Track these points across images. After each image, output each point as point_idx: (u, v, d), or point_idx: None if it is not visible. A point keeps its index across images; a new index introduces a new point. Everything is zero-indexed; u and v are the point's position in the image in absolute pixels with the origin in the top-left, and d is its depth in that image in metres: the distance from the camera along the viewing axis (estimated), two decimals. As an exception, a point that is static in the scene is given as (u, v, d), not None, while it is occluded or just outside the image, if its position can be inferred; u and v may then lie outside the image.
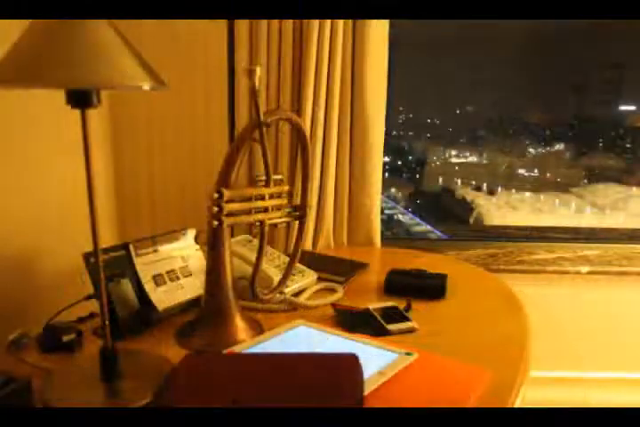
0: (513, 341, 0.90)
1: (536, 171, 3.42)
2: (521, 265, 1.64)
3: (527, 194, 3.12)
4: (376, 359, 0.77)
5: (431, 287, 1.09)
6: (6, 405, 0.65)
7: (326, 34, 1.35)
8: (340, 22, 1.35)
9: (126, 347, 0.85)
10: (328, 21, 1.34)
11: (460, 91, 3.18)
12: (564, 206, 3.01)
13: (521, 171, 3.39)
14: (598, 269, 1.63)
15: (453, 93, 3.17)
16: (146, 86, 0.60)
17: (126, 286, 0.92)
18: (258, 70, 0.80)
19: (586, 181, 3.22)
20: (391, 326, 0.92)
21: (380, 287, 1.14)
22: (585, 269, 1.62)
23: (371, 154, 1.47)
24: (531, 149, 3.46)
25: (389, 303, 1.01)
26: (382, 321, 0.93)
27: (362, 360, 0.69)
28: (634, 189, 3.02)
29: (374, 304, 1.00)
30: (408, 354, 0.79)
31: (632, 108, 3.07)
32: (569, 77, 3.08)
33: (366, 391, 0.67)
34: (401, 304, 1.01)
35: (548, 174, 3.40)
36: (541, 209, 3.01)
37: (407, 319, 0.95)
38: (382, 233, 1.55)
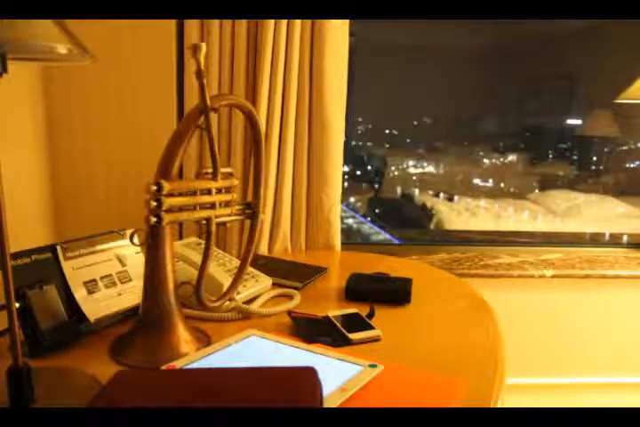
0: (485, 347, 0.83)
1: (490, 181, 3.47)
2: (485, 269, 1.60)
3: (482, 202, 3.14)
4: (337, 373, 0.69)
5: (396, 292, 1.02)
6: None
7: (282, 34, 1.29)
8: (297, 21, 1.29)
9: (48, 365, 0.74)
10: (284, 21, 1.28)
11: (418, 102, 3.22)
12: (520, 213, 3.04)
13: (476, 181, 3.44)
14: (562, 273, 1.62)
15: (411, 105, 3.20)
16: (62, 50, 0.50)
17: (51, 293, 0.81)
18: (203, 47, 0.71)
19: (537, 191, 3.29)
20: (353, 335, 0.84)
21: (340, 293, 1.06)
22: (549, 272, 1.60)
23: (330, 155, 1.40)
24: (485, 160, 3.52)
25: (351, 310, 0.94)
26: (343, 330, 0.86)
27: (321, 374, 0.60)
28: (587, 195, 3.08)
29: (334, 311, 0.93)
30: (372, 366, 0.71)
31: (578, 122, 3.17)
32: (521, 90, 3.16)
33: (326, 411, 0.59)
34: (363, 311, 0.94)
35: (502, 184, 3.46)
36: (499, 215, 3.02)
37: (370, 327, 0.87)
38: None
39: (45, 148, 1.37)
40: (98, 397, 0.58)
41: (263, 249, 1.41)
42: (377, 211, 3.34)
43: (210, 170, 0.79)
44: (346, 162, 1.47)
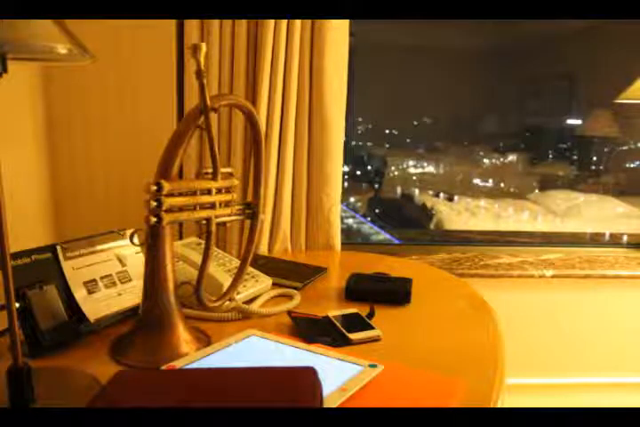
0: (485, 347, 0.83)
1: (490, 181, 3.47)
2: (485, 269, 1.60)
3: (482, 202, 3.14)
4: (337, 373, 0.69)
5: (395, 292, 1.02)
6: None
7: (282, 34, 1.29)
8: (297, 21, 1.29)
9: (48, 365, 0.74)
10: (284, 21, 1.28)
11: (418, 102, 3.22)
12: (520, 213, 3.04)
13: (476, 181, 3.44)
14: (562, 273, 1.61)
15: (411, 105, 3.20)
16: (62, 50, 0.50)
17: (51, 293, 0.80)
18: (203, 47, 0.71)
19: (537, 191, 3.29)
20: (353, 335, 0.84)
21: (340, 293, 1.06)
22: (549, 272, 1.60)
23: (330, 154, 1.40)
24: (485, 160, 3.52)
25: (351, 310, 0.94)
26: (343, 330, 0.85)
27: (321, 374, 0.60)
28: (587, 195, 3.08)
29: (334, 311, 0.92)
30: (372, 366, 0.71)
31: (578, 122, 3.16)
32: (521, 90, 3.16)
33: (326, 411, 0.58)
34: (363, 311, 0.94)
35: (502, 184, 3.46)
36: (499, 215, 3.02)
37: (370, 327, 0.87)
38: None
39: (45, 148, 1.37)
40: (98, 397, 0.58)
41: (263, 249, 1.41)
42: (377, 211, 3.34)
43: (210, 170, 0.79)
44: (346, 162, 1.46)
